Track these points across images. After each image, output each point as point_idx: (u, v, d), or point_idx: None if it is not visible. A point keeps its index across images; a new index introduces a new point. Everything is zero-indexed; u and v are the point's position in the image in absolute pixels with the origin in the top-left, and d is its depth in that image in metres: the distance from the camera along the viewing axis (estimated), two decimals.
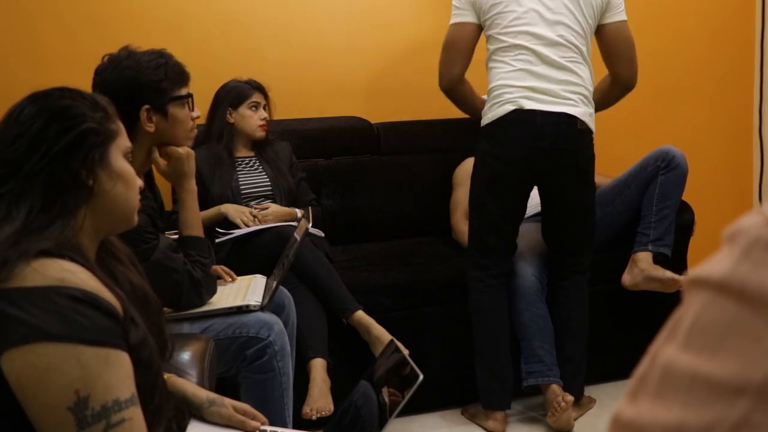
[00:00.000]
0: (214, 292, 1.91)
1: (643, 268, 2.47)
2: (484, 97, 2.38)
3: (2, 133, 1.07)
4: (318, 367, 2.25)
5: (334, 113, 3.10)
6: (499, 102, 2.25)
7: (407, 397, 1.41)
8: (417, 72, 3.11)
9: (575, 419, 2.41)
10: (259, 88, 2.73)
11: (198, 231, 1.91)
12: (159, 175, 1.91)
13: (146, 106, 1.75)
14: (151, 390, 1.05)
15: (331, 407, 2.17)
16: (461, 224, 2.79)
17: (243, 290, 2.03)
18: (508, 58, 2.25)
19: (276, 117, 2.83)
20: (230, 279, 2.15)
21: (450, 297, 2.53)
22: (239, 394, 1.88)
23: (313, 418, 2.15)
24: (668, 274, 2.44)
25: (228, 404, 1.38)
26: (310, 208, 2.72)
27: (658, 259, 2.48)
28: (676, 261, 2.59)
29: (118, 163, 1.12)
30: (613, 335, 2.69)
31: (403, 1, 3.15)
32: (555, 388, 2.36)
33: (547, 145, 2.22)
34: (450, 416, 2.52)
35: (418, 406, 2.42)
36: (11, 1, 2.81)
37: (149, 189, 1.84)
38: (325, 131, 3.03)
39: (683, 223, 2.64)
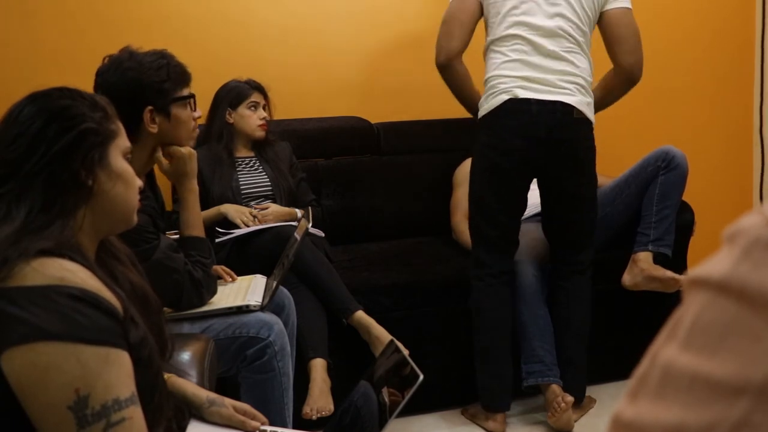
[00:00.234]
0: (214, 292, 1.91)
1: (643, 268, 2.47)
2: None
3: (2, 132, 1.07)
4: (318, 367, 2.25)
5: (334, 113, 3.10)
6: (495, 92, 2.25)
7: (407, 397, 1.41)
8: (417, 72, 3.11)
9: (576, 420, 2.41)
10: (259, 88, 2.73)
11: (199, 231, 1.91)
12: (160, 175, 1.91)
13: (149, 107, 1.75)
14: (151, 389, 1.05)
15: (332, 407, 2.17)
16: (461, 224, 2.79)
17: (243, 290, 2.03)
18: (505, 49, 2.25)
19: (276, 117, 2.83)
20: (230, 279, 2.15)
21: (450, 297, 2.53)
22: (239, 394, 1.88)
23: (314, 418, 2.15)
24: (668, 273, 2.44)
25: (228, 404, 1.38)
26: (310, 208, 2.72)
27: (659, 259, 2.48)
28: (676, 261, 2.59)
29: (118, 163, 1.12)
30: (613, 335, 2.69)
31: (403, 1, 3.15)
32: (555, 388, 2.36)
33: (543, 134, 2.21)
34: (450, 416, 2.52)
35: (418, 406, 2.42)
36: (11, 1, 2.81)
37: (150, 189, 1.85)
38: (325, 131, 3.03)
39: (683, 223, 2.64)
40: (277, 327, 1.89)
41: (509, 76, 2.23)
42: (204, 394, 1.38)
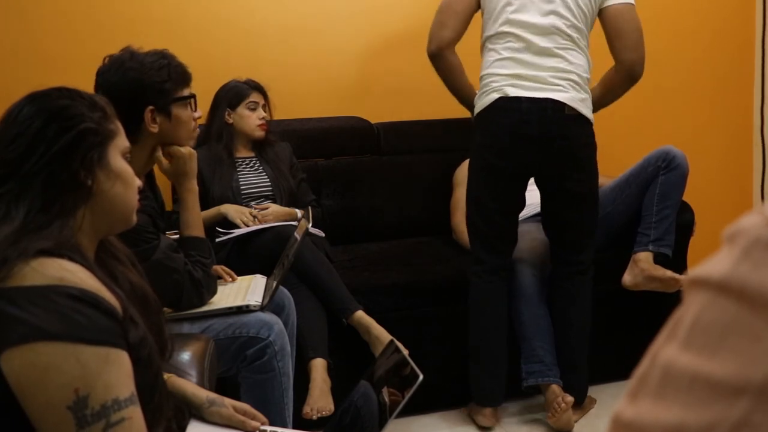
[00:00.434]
0: (214, 292, 1.91)
1: (643, 268, 2.47)
2: None
3: (1, 132, 1.07)
4: (318, 367, 2.25)
5: (334, 113, 3.10)
6: (487, 91, 2.26)
7: (407, 397, 1.41)
8: (417, 72, 3.10)
9: (576, 420, 2.41)
10: (258, 88, 2.73)
11: (199, 231, 1.91)
12: (160, 175, 1.91)
13: (150, 107, 1.75)
14: (151, 389, 1.05)
15: (332, 407, 2.17)
16: (461, 224, 2.79)
17: (243, 290, 2.03)
18: (498, 47, 2.25)
19: (276, 117, 2.83)
20: (230, 279, 2.15)
21: (450, 297, 2.53)
22: (239, 394, 1.88)
23: (314, 418, 2.15)
24: (669, 273, 2.44)
25: (228, 404, 1.38)
26: (310, 208, 2.72)
27: (659, 259, 2.48)
28: (677, 261, 2.59)
29: (117, 163, 1.12)
30: (614, 335, 2.69)
31: (403, 2, 3.15)
32: (555, 388, 2.36)
33: (534, 131, 2.20)
34: (450, 416, 2.52)
35: (418, 406, 2.42)
36: (11, 2, 2.81)
37: (150, 189, 1.85)
38: (325, 131, 3.03)
39: (683, 223, 2.64)
40: (277, 327, 1.89)
41: (501, 75, 2.22)
42: (204, 394, 1.38)
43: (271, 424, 1.47)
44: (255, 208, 2.55)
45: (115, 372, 0.94)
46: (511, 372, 2.46)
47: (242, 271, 2.21)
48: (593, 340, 2.49)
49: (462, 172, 2.94)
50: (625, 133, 3.38)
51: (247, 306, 1.90)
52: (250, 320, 1.87)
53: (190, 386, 1.40)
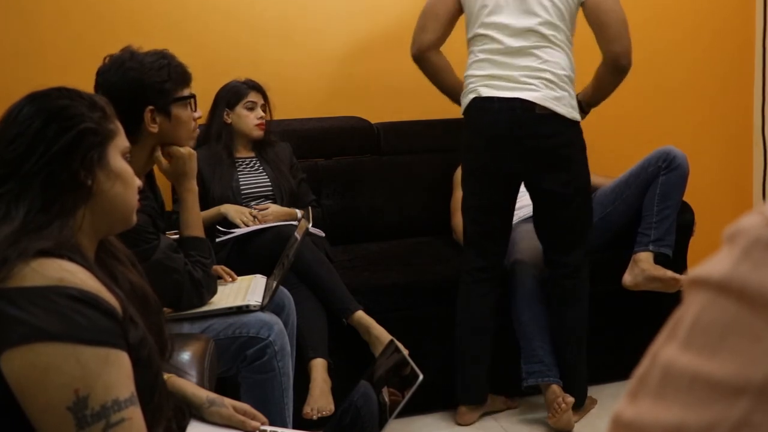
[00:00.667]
0: (214, 292, 1.91)
1: (644, 268, 2.46)
2: None
3: (1, 132, 1.07)
4: (318, 367, 2.25)
5: (334, 113, 3.10)
6: (466, 92, 2.30)
7: (407, 397, 1.41)
8: (417, 72, 3.09)
9: (576, 421, 2.41)
10: (256, 88, 2.73)
11: (199, 231, 1.91)
12: (160, 175, 1.91)
13: (150, 107, 1.75)
14: (151, 390, 1.05)
15: (332, 407, 2.17)
16: (461, 225, 2.79)
17: (243, 290, 2.03)
18: (476, 48, 2.28)
19: (276, 117, 2.83)
20: (230, 279, 2.15)
21: (450, 297, 2.53)
22: (239, 394, 1.88)
23: (314, 417, 2.15)
24: (669, 273, 2.44)
25: (228, 404, 1.38)
26: (310, 208, 2.72)
27: (659, 260, 2.48)
28: (677, 261, 2.59)
29: (117, 163, 1.12)
30: (613, 335, 2.69)
31: (403, 2, 3.15)
32: (555, 388, 2.36)
33: (505, 131, 2.22)
34: (450, 416, 2.51)
35: (418, 406, 2.42)
36: (11, 1, 2.81)
37: (150, 189, 1.85)
38: (325, 131, 3.03)
39: (683, 223, 2.64)
40: (277, 327, 1.89)
41: (477, 75, 2.26)
42: (204, 394, 1.38)
43: (271, 424, 1.47)
44: (255, 209, 2.55)
45: (115, 372, 0.94)
46: (511, 372, 2.46)
47: (242, 271, 2.20)
48: (593, 340, 2.49)
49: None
50: (625, 133, 3.38)
51: (247, 306, 1.90)
52: (250, 320, 1.87)
53: (190, 386, 1.40)
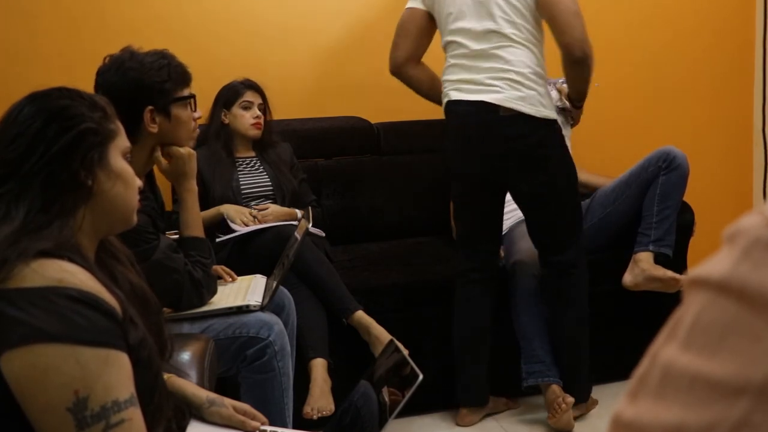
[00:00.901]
0: (214, 292, 1.91)
1: (644, 268, 2.46)
2: None
3: (1, 132, 1.07)
4: (319, 367, 2.25)
5: (334, 113, 3.10)
6: (442, 97, 2.34)
7: (407, 396, 1.41)
8: None
9: (576, 417, 2.41)
10: (253, 87, 2.72)
11: (198, 231, 1.91)
12: (160, 175, 1.91)
13: (150, 107, 1.75)
14: (151, 390, 1.05)
15: (332, 407, 2.17)
16: None
17: (243, 290, 2.03)
18: (448, 54, 2.31)
19: (276, 117, 2.83)
20: (230, 279, 2.15)
21: (450, 297, 2.53)
22: (239, 394, 1.88)
23: (314, 417, 2.15)
24: (669, 273, 2.44)
25: (228, 404, 1.38)
26: (310, 208, 2.72)
27: (659, 260, 2.48)
28: (677, 261, 2.59)
29: (117, 163, 1.12)
30: (614, 335, 2.68)
31: (403, 1, 3.15)
32: (555, 388, 2.36)
33: (473, 134, 2.25)
34: (450, 416, 2.51)
35: (418, 406, 2.41)
36: (11, 1, 2.81)
37: (150, 189, 1.85)
38: (325, 131, 3.03)
39: (683, 223, 2.64)
40: (277, 327, 1.89)
41: (449, 80, 2.29)
42: (204, 394, 1.38)
43: (271, 424, 1.47)
44: (255, 209, 2.55)
45: (114, 373, 0.94)
46: (511, 372, 2.46)
47: (242, 271, 2.20)
48: (593, 340, 2.49)
49: None
50: (625, 133, 3.38)
51: (247, 306, 1.90)
52: (250, 320, 1.87)
53: (190, 386, 1.40)
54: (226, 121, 2.71)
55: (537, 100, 2.20)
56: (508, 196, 2.54)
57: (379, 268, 2.64)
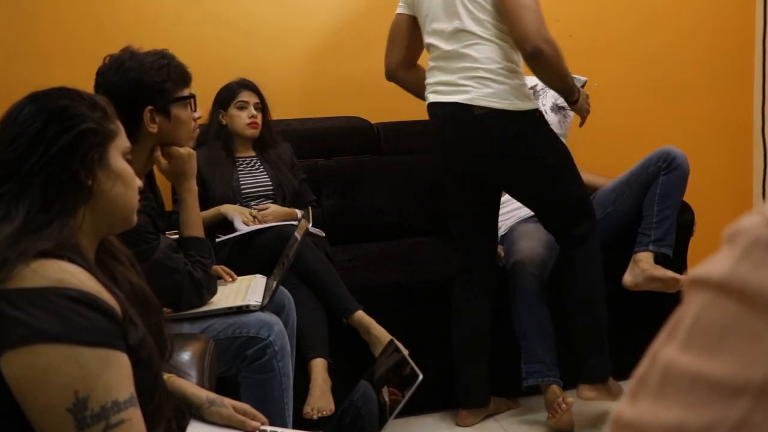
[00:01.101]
0: (214, 292, 1.91)
1: (644, 268, 2.46)
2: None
3: (1, 132, 1.07)
4: (319, 367, 2.25)
5: (334, 113, 3.10)
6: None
7: (407, 396, 1.41)
8: None
9: (598, 399, 2.35)
10: (248, 86, 2.72)
11: (198, 231, 1.91)
12: (160, 175, 1.91)
13: (149, 107, 1.75)
14: (151, 390, 1.05)
15: (332, 407, 2.17)
16: None
17: (243, 290, 2.03)
18: (429, 57, 2.32)
19: (276, 117, 2.83)
20: (230, 279, 2.15)
21: (450, 297, 2.53)
22: (239, 394, 1.88)
23: (314, 417, 2.15)
24: (669, 273, 2.44)
25: (228, 404, 1.38)
26: (310, 208, 2.72)
27: (660, 260, 2.48)
28: (677, 261, 2.59)
29: (117, 163, 1.12)
30: (614, 335, 2.68)
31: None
32: (555, 388, 2.36)
33: (452, 135, 2.26)
34: (450, 416, 2.51)
35: (418, 406, 2.41)
36: (11, 1, 2.81)
37: (150, 189, 1.85)
38: (325, 131, 3.03)
39: (683, 223, 2.64)
40: (277, 327, 1.89)
41: (429, 83, 2.30)
42: (204, 394, 1.38)
43: (271, 424, 1.47)
44: (255, 209, 2.55)
45: (114, 373, 0.94)
46: (511, 372, 2.46)
47: (242, 271, 2.20)
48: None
49: None
50: (625, 133, 3.38)
51: (247, 306, 1.90)
52: (250, 320, 1.87)
53: (190, 386, 1.40)
54: (224, 122, 2.71)
55: (509, 94, 2.17)
56: (507, 196, 2.55)
57: (379, 268, 2.64)
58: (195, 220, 1.91)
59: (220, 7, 2.98)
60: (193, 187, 1.90)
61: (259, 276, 2.18)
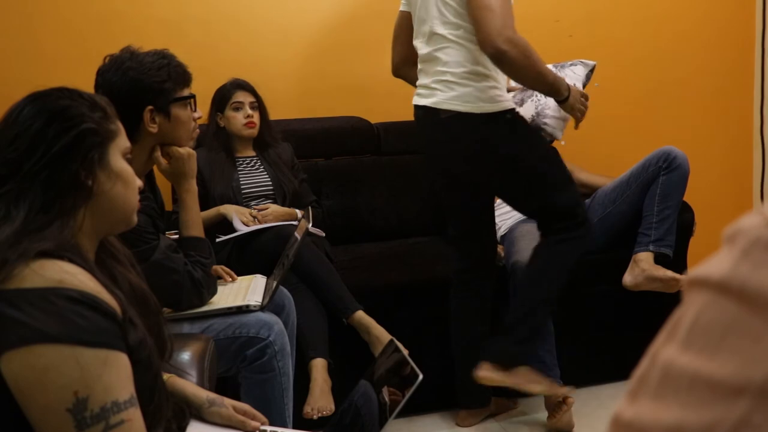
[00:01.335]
0: (214, 292, 1.91)
1: (644, 268, 2.46)
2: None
3: (1, 133, 1.07)
4: (319, 366, 2.25)
5: (334, 113, 3.10)
6: None
7: (407, 396, 1.41)
8: None
9: (493, 383, 2.26)
10: (242, 86, 2.72)
11: (198, 231, 1.91)
12: (160, 175, 1.91)
13: (149, 107, 1.75)
14: (150, 391, 1.05)
15: (332, 407, 2.17)
16: None
17: (243, 290, 2.03)
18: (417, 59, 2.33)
19: (276, 117, 2.83)
20: (230, 279, 2.15)
21: (450, 297, 2.53)
22: (239, 394, 1.88)
23: (315, 417, 2.15)
24: (669, 273, 2.44)
25: (228, 404, 1.38)
26: (310, 208, 2.72)
27: (660, 260, 2.48)
28: (677, 261, 2.59)
29: (117, 163, 1.12)
30: (614, 335, 2.69)
31: None
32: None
33: (428, 138, 2.27)
34: (450, 416, 2.52)
35: (418, 406, 2.42)
36: (11, 1, 2.81)
37: (150, 189, 1.85)
38: (325, 131, 3.03)
39: (683, 223, 2.64)
40: (277, 327, 1.89)
41: (417, 85, 2.32)
42: (204, 394, 1.38)
43: (271, 424, 1.47)
44: (255, 209, 2.55)
45: (114, 374, 0.94)
46: None
47: (242, 271, 2.21)
48: (594, 339, 2.49)
49: None
50: (625, 133, 3.38)
51: (247, 306, 1.90)
52: (250, 320, 1.87)
53: (190, 386, 1.40)
54: (222, 123, 2.71)
55: (474, 97, 2.14)
56: None
57: (379, 268, 2.64)
58: (195, 220, 1.91)
59: (221, 7, 2.99)
60: (192, 187, 1.90)
61: (259, 276, 2.18)
